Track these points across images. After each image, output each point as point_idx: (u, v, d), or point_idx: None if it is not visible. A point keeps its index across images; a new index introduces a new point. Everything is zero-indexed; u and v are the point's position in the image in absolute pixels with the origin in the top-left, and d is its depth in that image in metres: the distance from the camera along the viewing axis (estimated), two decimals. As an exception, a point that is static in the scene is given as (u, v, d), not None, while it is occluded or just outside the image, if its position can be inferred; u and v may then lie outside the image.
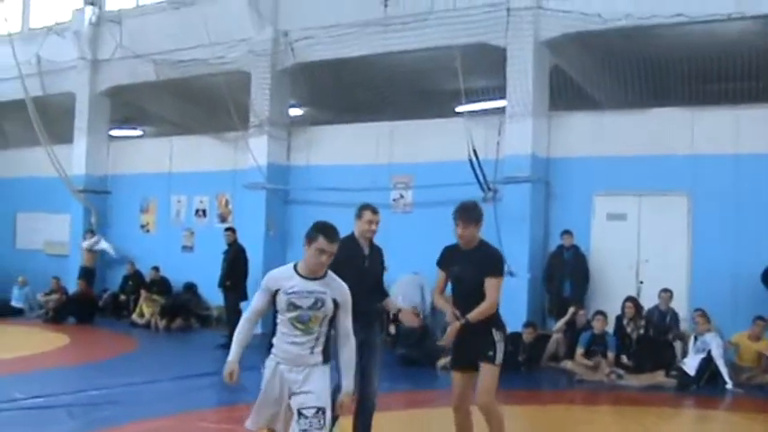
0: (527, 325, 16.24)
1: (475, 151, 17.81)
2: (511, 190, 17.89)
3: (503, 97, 18.52)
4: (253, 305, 6.61)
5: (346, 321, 6.72)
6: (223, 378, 6.60)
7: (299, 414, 6.41)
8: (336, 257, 7.92)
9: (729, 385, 14.43)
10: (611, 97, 19.45)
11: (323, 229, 6.67)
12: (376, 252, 8.78)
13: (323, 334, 6.58)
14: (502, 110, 18.54)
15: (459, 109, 18.98)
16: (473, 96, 19.00)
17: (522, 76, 17.96)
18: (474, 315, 7.79)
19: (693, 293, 16.98)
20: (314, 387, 6.51)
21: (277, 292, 6.47)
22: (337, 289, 6.62)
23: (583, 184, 17.90)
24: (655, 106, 18.16)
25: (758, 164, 16.73)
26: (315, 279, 6.53)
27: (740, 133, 16.99)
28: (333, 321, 6.65)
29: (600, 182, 17.79)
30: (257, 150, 21.11)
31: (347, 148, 20.84)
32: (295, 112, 22.77)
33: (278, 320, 6.54)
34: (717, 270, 16.69)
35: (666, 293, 16.38)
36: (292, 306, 6.43)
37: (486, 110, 19.25)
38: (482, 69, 18.93)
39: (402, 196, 20.00)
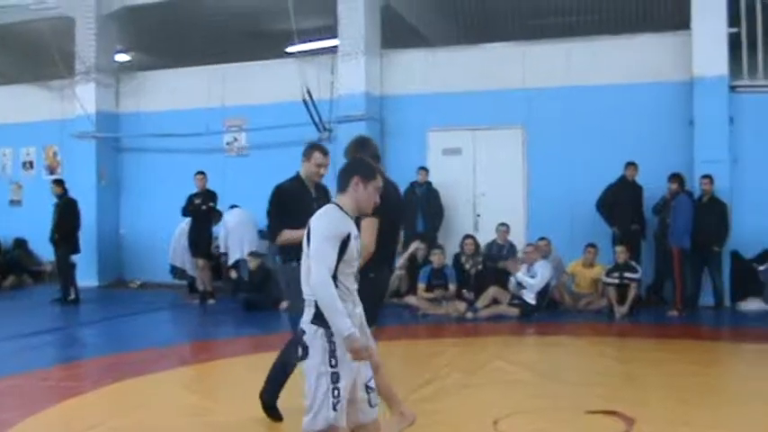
0: (368, 263, 16.28)
1: (309, 91, 17.68)
2: (346, 129, 17.73)
3: (335, 36, 18.43)
4: (329, 262, 5.24)
5: None
6: (359, 357, 5.22)
7: (368, 389, 5.56)
8: (283, 199, 7.82)
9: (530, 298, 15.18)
10: (443, 34, 19.55)
11: (375, 168, 5.71)
12: (324, 193, 8.16)
13: None
14: (334, 49, 18.46)
15: (290, 49, 18.79)
16: (305, 36, 18.75)
17: (354, 14, 17.98)
18: None
19: (530, 224, 17.34)
20: None
21: (349, 237, 5.34)
22: None
23: (417, 120, 17.99)
24: (486, 42, 18.32)
25: (587, 95, 17.10)
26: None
27: (570, 66, 17.35)
28: None
29: (434, 118, 17.90)
30: (85, 98, 20.38)
31: (178, 93, 20.35)
32: (123, 57, 22.17)
33: (338, 275, 5.31)
34: (553, 200, 17.08)
35: (504, 227, 16.61)
36: (358, 254, 5.48)
37: (318, 49, 19.10)
38: (313, 9, 18.72)
39: (236, 139, 19.76)
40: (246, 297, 16.35)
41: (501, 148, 17.61)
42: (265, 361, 11.19)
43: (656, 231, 16.05)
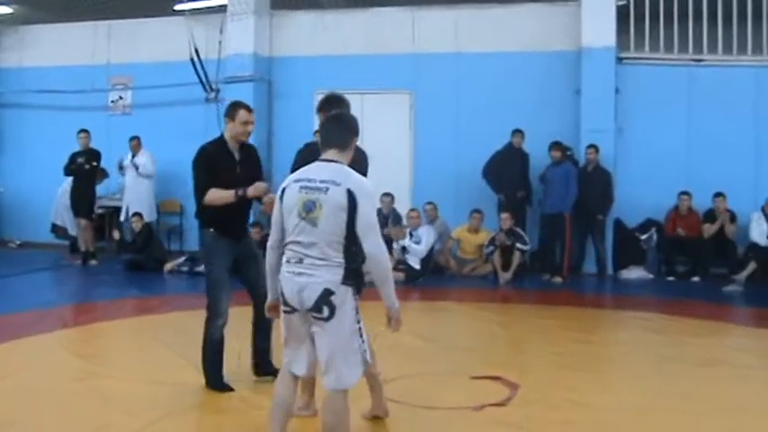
0: (254, 225, 16.15)
1: (196, 51, 17.43)
2: (233, 90, 17.58)
3: (225, -5, 18.16)
4: (379, 230, 5.43)
5: None
6: (398, 328, 5.57)
7: None
8: (208, 162, 7.49)
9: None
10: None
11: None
12: (249, 153, 7.86)
13: None
14: (223, 8, 18.17)
15: (179, 7, 18.44)
16: (194, -6, 18.52)
17: (244, -27, 17.70)
18: None
19: (417, 190, 17.40)
20: None
21: None
22: None
23: (305, 82, 17.78)
24: (377, 5, 18.27)
25: (477, 62, 17.24)
26: None
27: (459, 33, 17.42)
28: None
29: (322, 80, 17.49)
30: (-38, 52, 19.84)
31: (63, 49, 19.79)
32: (3, 9, 21.48)
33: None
34: (439, 166, 17.19)
35: (387, 198, 16.38)
36: None
37: (207, 8, 18.76)
38: (203, -34, 18.47)
39: (121, 98, 19.40)
40: (130, 258, 16.12)
41: (389, 113, 17.55)
42: (149, 323, 11.16)
43: (540, 199, 16.22)
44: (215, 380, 7.71)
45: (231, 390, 7.64)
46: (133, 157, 17.44)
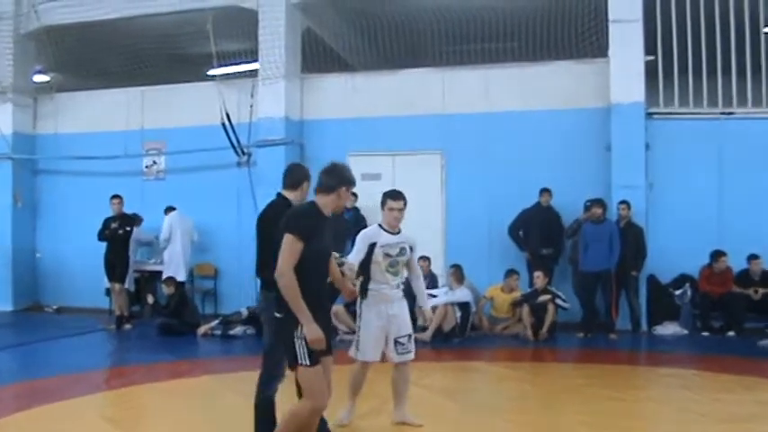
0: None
1: (228, 115, 17.60)
2: (265, 153, 17.76)
3: (255, 60, 18.36)
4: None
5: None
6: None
7: (396, 343, 8.26)
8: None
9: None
10: (363, 59, 19.57)
11: (390, 194, 8.71)
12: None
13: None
14: (255, 73, 18.36)
15: (211, 72, 18.68)
16: (226, 60, 18.71)
17: (275, 38, 17.90)
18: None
19: (449, 250, 17.34)
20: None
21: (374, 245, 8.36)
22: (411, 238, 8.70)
23: (337, 145, 17.78)
24: (406, 67, 18.39)
25: (506, 121, 17.26)
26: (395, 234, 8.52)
27: (489, 92, 17.48)
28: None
29: (354, 142, 17.77)
30: (1, 119, 20.02)
31: (97, 115, 20.06)
32: (41, 78, 21.81)
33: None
34: (471, 225, 17.16)
35: (425, 261, 16.23)
36: (387, 256, 8.34)
37: (238, 73, 18.99)
38: (234, 32, 18.66)
39: (155, 163, 19.57)
40: (162, 322, 16.13)
41: (420, 173, 17.56)
42: (180, 387, 11.12)
43: (570, 256, 16.19)
44: None
45: None
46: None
